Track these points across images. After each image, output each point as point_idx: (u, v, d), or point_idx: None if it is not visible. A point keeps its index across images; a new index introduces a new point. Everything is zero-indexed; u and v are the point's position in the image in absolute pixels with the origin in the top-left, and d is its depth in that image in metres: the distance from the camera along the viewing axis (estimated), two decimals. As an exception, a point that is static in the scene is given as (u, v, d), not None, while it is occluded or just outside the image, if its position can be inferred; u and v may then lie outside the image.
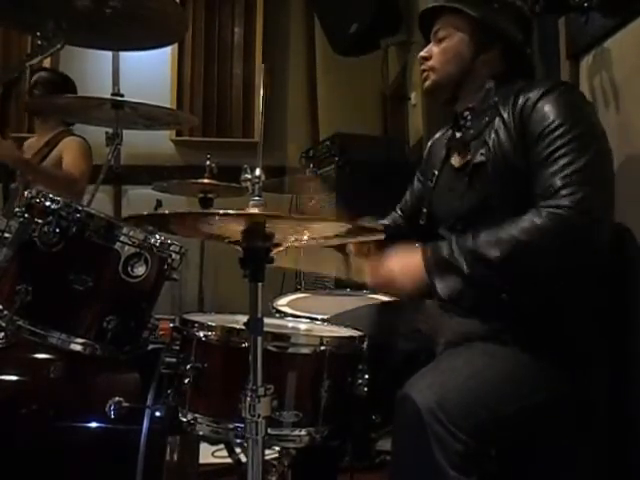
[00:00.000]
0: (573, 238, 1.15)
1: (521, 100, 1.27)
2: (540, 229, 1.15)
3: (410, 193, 1.66)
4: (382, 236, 1.18)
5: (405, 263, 1.28)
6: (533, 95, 1.26)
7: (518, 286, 1.22)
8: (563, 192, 1.15)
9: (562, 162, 1.17)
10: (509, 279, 1.21)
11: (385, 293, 1.31)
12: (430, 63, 1.42)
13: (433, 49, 1.42)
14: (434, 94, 1.45)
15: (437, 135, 1.60)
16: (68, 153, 2.79)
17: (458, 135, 1.42)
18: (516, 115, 1.27)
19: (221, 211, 0.92)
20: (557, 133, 1.20)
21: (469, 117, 1.39)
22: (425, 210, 1.52)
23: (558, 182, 1.16)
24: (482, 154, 1.31)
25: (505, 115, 1.29)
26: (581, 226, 1.14)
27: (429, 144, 1.62)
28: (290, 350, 1.15)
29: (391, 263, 1.29)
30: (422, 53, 1.44)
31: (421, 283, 1.26)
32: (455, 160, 1.44)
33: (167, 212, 1.02)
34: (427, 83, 1.43)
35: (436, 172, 1.49)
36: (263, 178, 1.03)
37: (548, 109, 1.23)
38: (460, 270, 1.20)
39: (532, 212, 1.18)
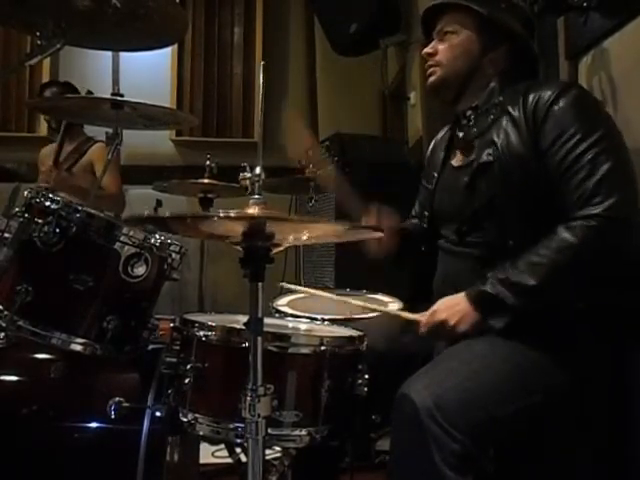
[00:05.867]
0: (607, 247, 1.16)
1: (532, 99, 1.26)
2: (574, 246, 1.15)
3: (418, 201, 1.65)
4: (381, 235, 1.18)
5: (452, 308, 1.25)
6: (546, 95, 1.24)
7: (559, 301, 1.22)
8: (594, 200, 1.15)
9: (588, 168, 1.17)
10: (551, 299, 1.21)
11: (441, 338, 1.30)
12: (437, 58, 1.40)
13: (438, 46, 1.40)
14: (439, 91, 1.42)
15: (438, 136, 1.59)
16: (101, 164, 2.90)
17: (460, 134, 1.42)
18: (528, 114, 1.26)
19: (220, 213, 0.92)
20: (577, 138, 1.19)
21: (472, 116, 1.38)
22: (427, 213, 1.52)
23: (588, 190, 1.15)
24: (489, 154, 1.29)
25: (515, 114, 1.27)
26: (613, 233, 1.15)
27: (430, 147, 1.61)
28: (290, 350, 1.15)
29: (439, 311, 1.26)
30: (427, 49, 1.42)
31: (472, 322, 1.23)
32: (456, 160, 1.43)
33: (167, 215, 1.02)
34: (432, 78, 1.41)
35: (436, 174, 1.49)
36: (263, 177, 1.03)
37: (564, 113, 1.22)
38: (506, 304, 1.19)
39: (562, 229, 1.17)
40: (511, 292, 1.19)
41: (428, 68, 1.42)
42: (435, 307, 1.27)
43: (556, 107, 1.23)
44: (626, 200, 1.16)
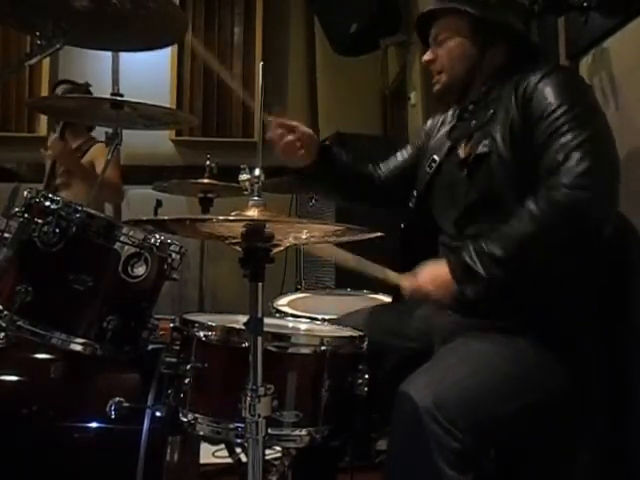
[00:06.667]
0: (571, 217, 1.15)
1: (522, 85, 1.28)
2: (537, 217, 1.16)
3: (400, 156, 1.64)
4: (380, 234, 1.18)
5: (436, 280, 1.26)
6: (533, 79, 1.27)
7: (526, 275, 1.22)
8: (562, 169, 1.15)
9: (563, 140, 1.18)
10: (517, 272, 1.21)
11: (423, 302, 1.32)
12: (439, 62, 1.40)
13: (437, 51, 1.40)
14: (443, 98, 1.44)
15: (438, 119, 1.56)
16: (101, 162, 2.88)
17: (461, 127, 1.42)
18: (519, 101, 1.28)
19: (219, 217, 0.92)
20: (558, 113, 1.21)
21: (473, 109, 1.39)
22: (416, 193, 1.51)
23: (559, 159, 1.16)
24: (485, 145, 1.30)
25: (510, 104, 1.29)
26: (580, 202, 1.14)
27: (428, 124, 1.59)
28: (290, 350, 1.15)
29: (424, 277, 1.27)
30: (426, 57, 1.42)
31: (452, 293, 1.24)
32: (461, 153, 1.43)
33: (165, 218, 1.03)
34: (437, 87, 1.42)
35: (437, 158, 1.46)
36: (262, 178, 1.03)
37: (548, 90, 1.24)
38: (479, 273, 1.20)
39: (528, 201, 1.18)
40: (482, 263, 1.19)
41: (433, 75, 1.42)
42: (420, 277, 1.27)
43: (540, 87, 1.25)
44: (595, 171, 1.15)
